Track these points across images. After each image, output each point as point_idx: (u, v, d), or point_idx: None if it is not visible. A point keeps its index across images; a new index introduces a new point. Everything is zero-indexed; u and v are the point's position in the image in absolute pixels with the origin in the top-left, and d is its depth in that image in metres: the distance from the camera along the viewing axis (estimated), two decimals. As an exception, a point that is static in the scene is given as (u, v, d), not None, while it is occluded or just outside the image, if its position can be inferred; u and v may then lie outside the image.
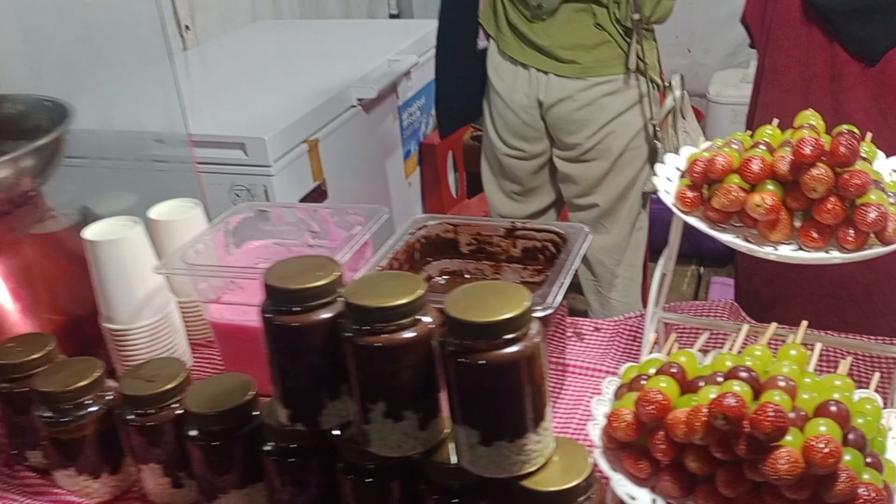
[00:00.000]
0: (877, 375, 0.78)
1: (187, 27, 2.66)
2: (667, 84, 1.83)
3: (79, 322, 1.10)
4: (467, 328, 0.65)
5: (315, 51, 2.56)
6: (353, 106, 2.18)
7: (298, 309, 0.72)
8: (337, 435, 0.78)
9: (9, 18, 1.21)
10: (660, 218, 2.16)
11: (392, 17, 3.85)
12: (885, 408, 0.76)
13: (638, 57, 1.78)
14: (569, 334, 1.11)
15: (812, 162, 0.78)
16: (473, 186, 3.13)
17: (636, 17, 1.73)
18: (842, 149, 0.78)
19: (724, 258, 3.17)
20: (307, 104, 2.03)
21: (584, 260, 1.95)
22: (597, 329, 1.14)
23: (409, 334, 0.69)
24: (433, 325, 0.70)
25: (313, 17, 3.32)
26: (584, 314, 2.05)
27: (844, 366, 0.76)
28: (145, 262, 1.06)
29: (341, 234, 1.09)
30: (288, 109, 2.00)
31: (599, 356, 1.08)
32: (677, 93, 1.81)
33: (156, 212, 1.14)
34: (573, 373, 1.04)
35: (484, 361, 0.65)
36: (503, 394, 0.67)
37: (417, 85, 2.54)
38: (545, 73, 1.81)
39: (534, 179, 1.96)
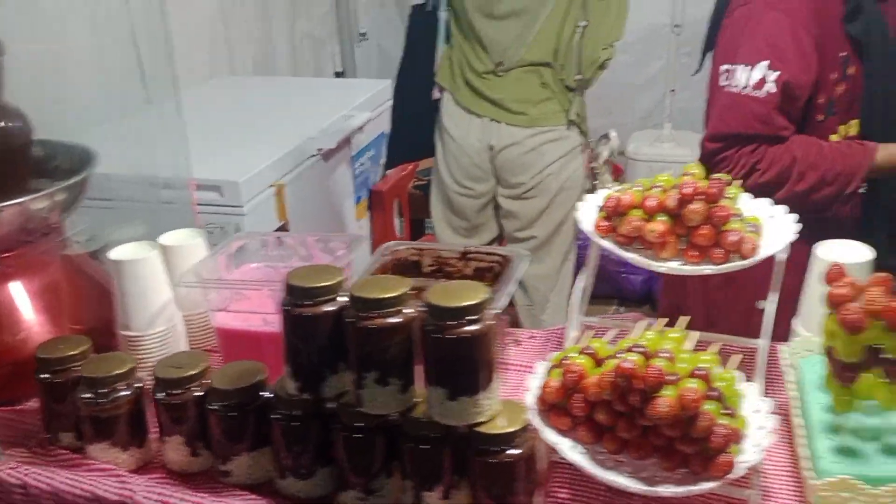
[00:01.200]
0: (736, 357, 1.05)
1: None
2: (603, 136, 2.26)
3: (93, 331, 1.30)
4: (442, 311, 0.90)
5: (276, 105, 2.80)
6: (313, 155, 2.43)
7: (311, 302, 0.96)
8: (334, 403, 1.00)
9: (41, 68, 1.43)
10: (584, 256, 2.47)
11: (337, 74, 4.13)
12: (747, 381, 1.03)
13: (575, 111, 2.16)
14: (509, 342, 1.36)
15: (691, 199, 1.06)
16: (415, 231, 3.39)
17: (578, 77, 2.09)
18: (713, 189, 1.06)
19: (642, 298, 3.49)
20: (274, 153, 2.27)
21: (522, 286, 2.28)
22: (532, 337, 1.39)
23: (396, 319, 0.93)
24: (413, 315, 0.94)
25: (264, 73, 3.57)
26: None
27: (714, 348, 1.03)
28: (160, 280, 1.27)
29: (325, 258, 1.32)
30: (257, 157, 2.23)
31: (534, 356, 1.33)
32: (615, 143, 2.25)
33: (165, 239, 1.36)
34: (513, 369, 1.29)
35: (453, 336, 0.90)
36: (465, 360, 0.91)
37: (369, 138, 2.81)
38: (497, 122, 2.17)
39: (479, 216, 2.29)
